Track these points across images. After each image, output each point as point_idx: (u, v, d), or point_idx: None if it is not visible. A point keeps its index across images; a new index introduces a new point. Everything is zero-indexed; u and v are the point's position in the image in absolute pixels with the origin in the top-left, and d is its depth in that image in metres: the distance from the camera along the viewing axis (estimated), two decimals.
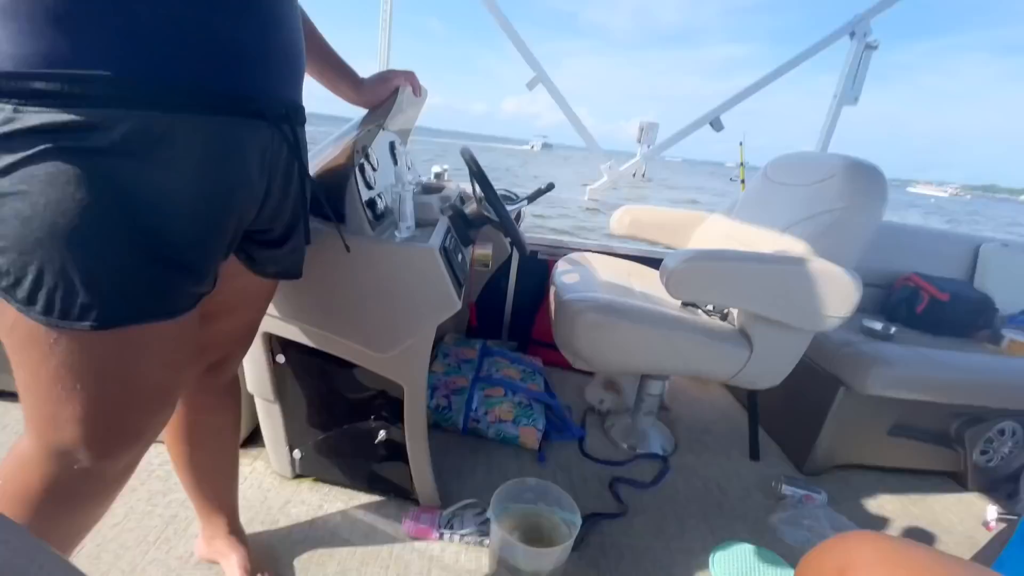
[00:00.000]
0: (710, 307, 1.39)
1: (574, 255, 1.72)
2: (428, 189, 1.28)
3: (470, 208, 1.11)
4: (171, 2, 0.45)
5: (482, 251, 1.23)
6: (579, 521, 0.97)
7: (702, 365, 1.23)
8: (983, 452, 1.43)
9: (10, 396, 1.25)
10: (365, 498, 1.14)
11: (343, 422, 1.07)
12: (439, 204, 1.08)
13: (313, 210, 0.75)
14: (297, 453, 1.12)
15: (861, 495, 1.40)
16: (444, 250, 0.90)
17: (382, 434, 1.04)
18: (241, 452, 0.98)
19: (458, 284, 0.92)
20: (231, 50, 0.51)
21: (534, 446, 1.38)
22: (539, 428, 1.39)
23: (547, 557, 0.91)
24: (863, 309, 1.76)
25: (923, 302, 1.68)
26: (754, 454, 1.49)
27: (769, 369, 1.23)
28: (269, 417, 1.08)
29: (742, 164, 2.28)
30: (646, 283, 1.57)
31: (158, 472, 1.14)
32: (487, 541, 1.04)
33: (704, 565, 1.08)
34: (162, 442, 0.82)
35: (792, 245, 1.21)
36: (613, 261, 1.72)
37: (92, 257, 0.45)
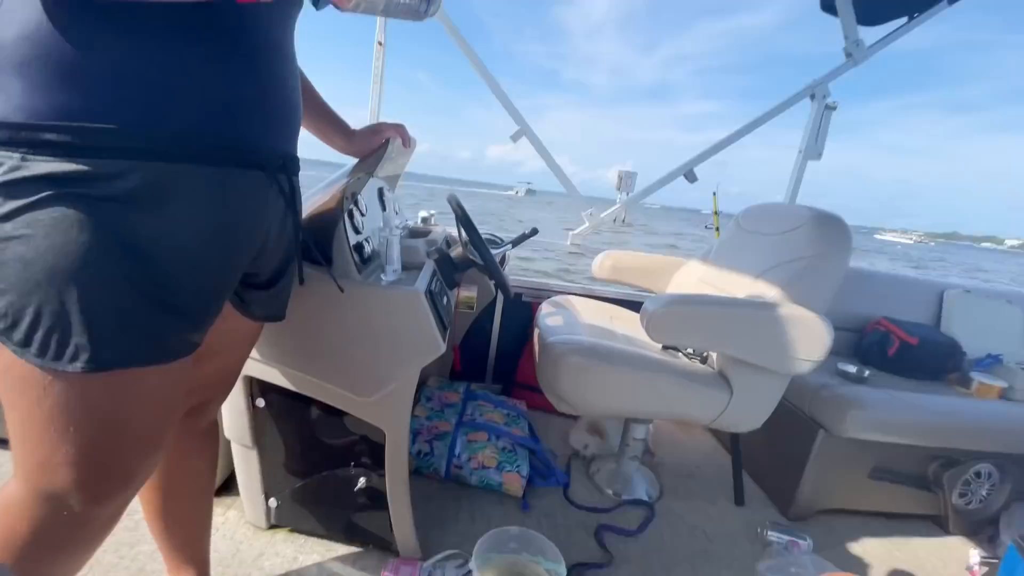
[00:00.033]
0: (690, 350, 1.42)
1: (558, 298, 1.75)
2: (415, 233, 1.31)
3: (456, 251, 1.13)
4: (177, 60, 0.48)
5: (467, 293, 1.25)
6: (564, 571, 0.94)
7: (684, 408, 1.24)
8: (962, 495, 1.45)
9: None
10: (343, 549, 1.09)
11: (322, 469, 1.04)
12: (425, 247, 1.10)
13: (302, 254, 0.77)
14: (273, 502, 1.08)
15: (846, 540, 1.39)
16: (430, 293, 0.92)
17: (362, 481, 1.02)
18: (214, 501, 0.95)
19: (443, 327, 0.93)
20: (235, 106, 0.54)
21: (518, 493, 1.35)
22: (523, 474, 1.37)
23: None
24: (837, 352, 1.81)
25: (894, 345, 1.74)
26: (739, 499, 1.48)
27: (750, 412, 1.25)
28: (245, 464, 1.05)
29: (716, 212, 2.39)
30: (628, 326, 1.60)
31: (125, 522, 1.07)
32: None
33: None
34: None
35: (766, 290, 1.26)
36: (596, 304, 1.75)
37: (91, 300, 0.46)
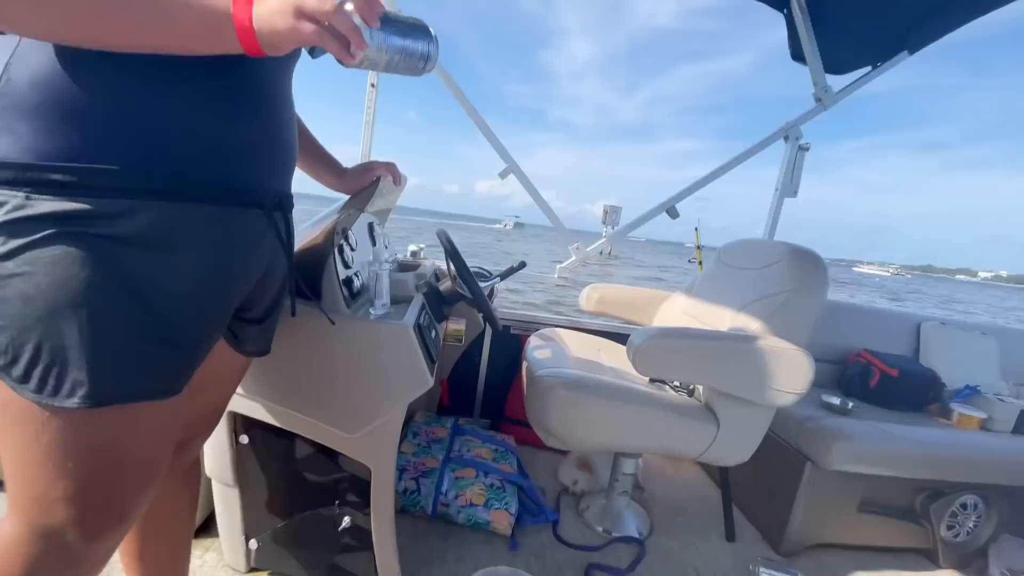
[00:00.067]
0: (677, 383, 1.43)
1: (546, 330, 1.76)
2: (404, 267, 1.33)
3: (444, 285, 1.15)
4: (180, 103, 0.51)
5: (455, 326, 1.26)
6: None
7: (672, 442, 1.24)
8: (949, 527, 1.45)
9: None
10: None
11: (305, 508, 1.01)
12: (414, 281, 1.12)
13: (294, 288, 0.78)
14: (254, 543, 1.04)
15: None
16: (418, 327, 0.92)
17: (346, 520, 0.99)
18: (192, 543, 0.91)
19: (431, 361, 0.94)
20: (235, 147, 0.56)
21: (506, 531, 1.32)
22: (511, 512, 1.34)
23: None
24: (821, 384, 1.84)
25: (875, 377, 1.77)
26: (730, 535, 1.46)
27: (737, 445, 1.25)
28: (226, 503, 1.02)
29: (698, 247, 2.45)
30: (615, 359, 1.61)
31: None
32: None
33: None
34: None
35: (748, 323, 1.29)
36: (584, 336, 1.77)
37: (90, 336, 0.47)
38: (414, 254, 1.59)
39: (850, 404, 1.58)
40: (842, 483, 1.38)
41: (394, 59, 0.54)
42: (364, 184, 1.04)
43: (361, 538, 1.00)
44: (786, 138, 2.01)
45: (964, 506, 1.46)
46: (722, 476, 1.50)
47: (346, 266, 0.97)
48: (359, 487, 0.97)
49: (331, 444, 0.93)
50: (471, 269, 1.15)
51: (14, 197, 0.44)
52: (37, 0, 0.40)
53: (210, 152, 0.53)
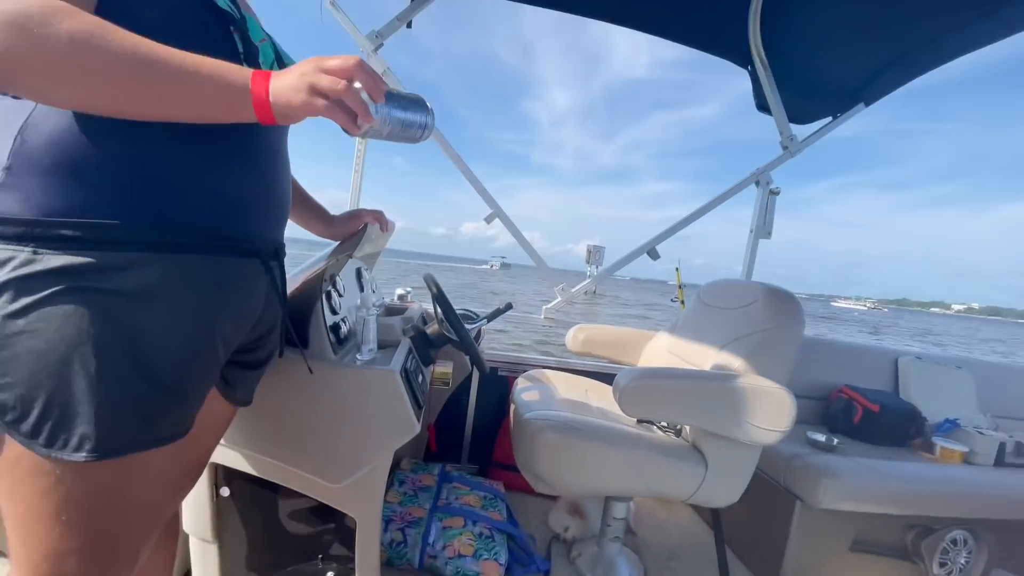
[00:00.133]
0: (664, 423, 1.43)
1: (534, 372, 1.76)
2: (391, 311, 1.34)
3: (431, 328, 1.16)
4: (183, 160, 0.53)
5: (442, 369, 1.26)
6: None
7: (661, 484, 1.23)
8: (942, 564, 1.44)
9: None
10: None
11: (287, 563, 0.98)
12: (401, 325, 1.13)
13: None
14: None
15: None
16: (405, 372, 0.93)
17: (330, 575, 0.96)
18: None
19: (418, 406, 0.93)
20: (236, 202, 0.59)
21: None
22: (501, 562, 1.30)
23: None
24: (806, 420, 1.86)
25: (858, 413, 1.79)
26: None
27: (726, 485, 1.25)
28: (203, 561, 0.97)
29: (680, 286, 2.51)
30: (603, 399, 1.61)
31: None
32: None
33: None
34: None
35: (730, 361, 1.32)
36: (571, 377, 1.77)
37: (97, 390, 0.48)
38: (401, 298, 1.60)
39: (835, 440, 1.60)
40: (833, 522, 1.38)
41: (395, 130, 0.59)
42: (351, 231, 1.06)
43: None
44: (757, 183, 2.12)
45: (954, 542, 1.45)
46: (714, 518, 1.48)
47: (333, 312, 0.98)
48: (343, 540, 0.94)
49: (315, 495, 0.91)
50: (458, 311, 1.16)
51: (21, 252, 0.45)
52: (68, 75, 0.43)
53: (213, 207, 0.56)
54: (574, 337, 1.89)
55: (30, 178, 0.46)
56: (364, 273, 1.28)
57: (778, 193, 2.09)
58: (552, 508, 1.64)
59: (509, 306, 1.62)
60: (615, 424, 1.30)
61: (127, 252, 0.49)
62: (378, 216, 1.11)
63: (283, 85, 0.50)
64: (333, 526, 0.95)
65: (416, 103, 0.60)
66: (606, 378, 1.87)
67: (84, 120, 0.48)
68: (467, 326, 1.12)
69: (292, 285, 0.92)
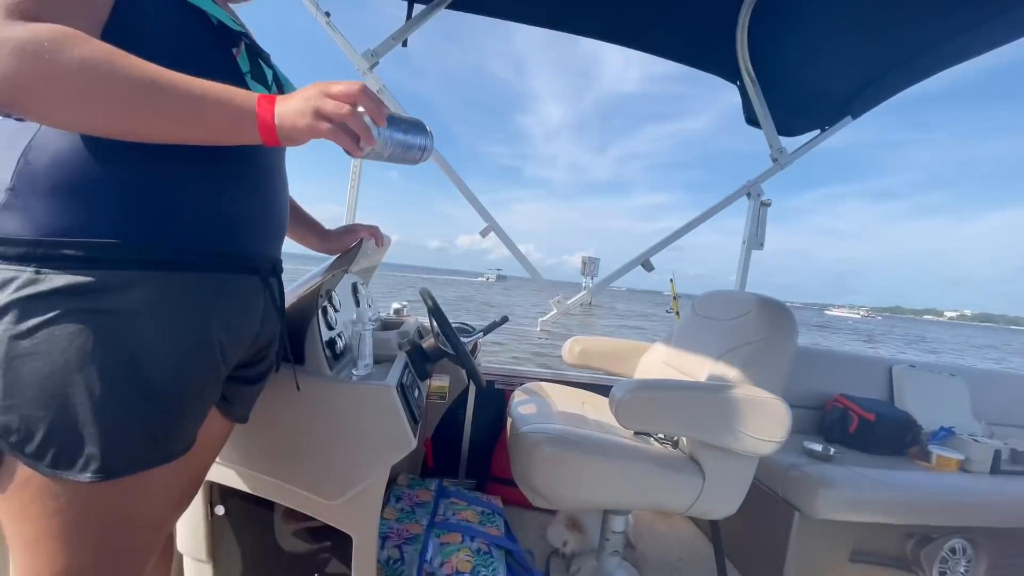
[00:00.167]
0: (661, 435, 1.43)
1: (530, 385, 1.76)
2: (387, 325, 1.34)
3: (427, 342, 1.16)
4: (184, 180, 0.54)
5: (438, 383, 1.26)
6: None
7: (660, 496, 1.23)
8: (941, 573, 1.44)
9: None
10: None
11: None
12: (397, 339, 1.13)
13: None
14: None
15: None
16: (401, 386, 0.93)
17: None
18: None
19: (414, 421, 0.93)
20: (236, 221, 0.60)
21: None
22: None
23: None
24: (802, 430, 1.86)
25: (854, 422, 1.80)
26: None
27: (724, 497, 1.25)
28: None
29: (674, 297, 2.52)
30: (599, 412, 1.61)
31: None
32: None
33: None
34: None
35: (725, 372, 1.32)
36: (567, 390, 1.77)
37: (101, 410, 0.48)
38: (397, 312, 1.60)
39: (832, 450, 1.60)
40: (832, 532, 1.37)
41: (396, 152, 0.61)
42: (347, 245, 1.07)
43: None
44: (748, 195, 2.14)
45: (953, 551, 1.45)
46: (713, 530, 1.47)
47: (329, 327, 0.98)
48: (340, 558, 0.93)
49: (311, 512, 0.90)
50: (454, 325, 1.17)
51: (24, 272, 0.46)
52: (78, 101, 0.44)
53: (213, 225, 0.57)
54: (570, 349, 1.89)
55: (33, 199, 0.47)
56: (360, 288, 1.28)
57: (769, 205, 2.12)
58: (550, 522, 1.62)
59: (505, 319, 1.62)
60: (612, 436, 1.30)
61: (128, 271, 0.50)
62: (373, 231, 1.12)
63: (288, 109, 0.51)
64: (329, 544, 0.94)
65: (416, 126, 0.62)
66: (603, 390, 1.87)
67: (87, 141, 0.49)
68: (463, 339, 1.12)
69: (289, 300, 0.93)
